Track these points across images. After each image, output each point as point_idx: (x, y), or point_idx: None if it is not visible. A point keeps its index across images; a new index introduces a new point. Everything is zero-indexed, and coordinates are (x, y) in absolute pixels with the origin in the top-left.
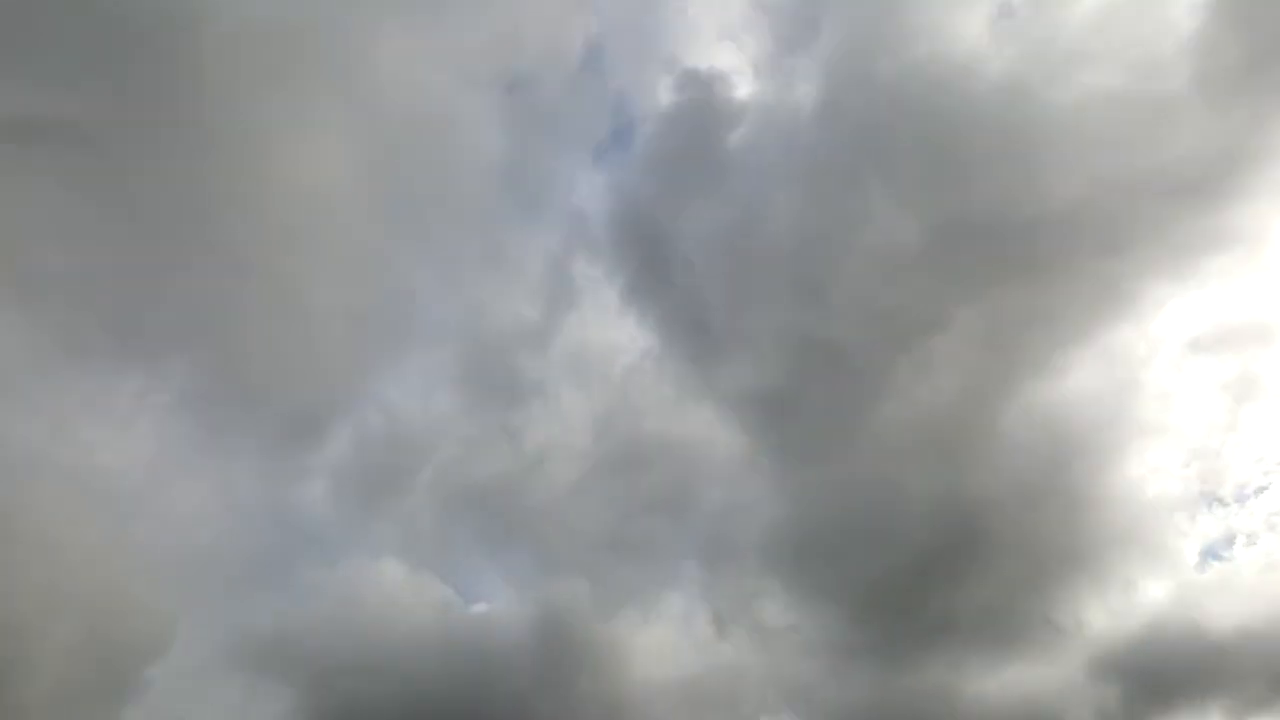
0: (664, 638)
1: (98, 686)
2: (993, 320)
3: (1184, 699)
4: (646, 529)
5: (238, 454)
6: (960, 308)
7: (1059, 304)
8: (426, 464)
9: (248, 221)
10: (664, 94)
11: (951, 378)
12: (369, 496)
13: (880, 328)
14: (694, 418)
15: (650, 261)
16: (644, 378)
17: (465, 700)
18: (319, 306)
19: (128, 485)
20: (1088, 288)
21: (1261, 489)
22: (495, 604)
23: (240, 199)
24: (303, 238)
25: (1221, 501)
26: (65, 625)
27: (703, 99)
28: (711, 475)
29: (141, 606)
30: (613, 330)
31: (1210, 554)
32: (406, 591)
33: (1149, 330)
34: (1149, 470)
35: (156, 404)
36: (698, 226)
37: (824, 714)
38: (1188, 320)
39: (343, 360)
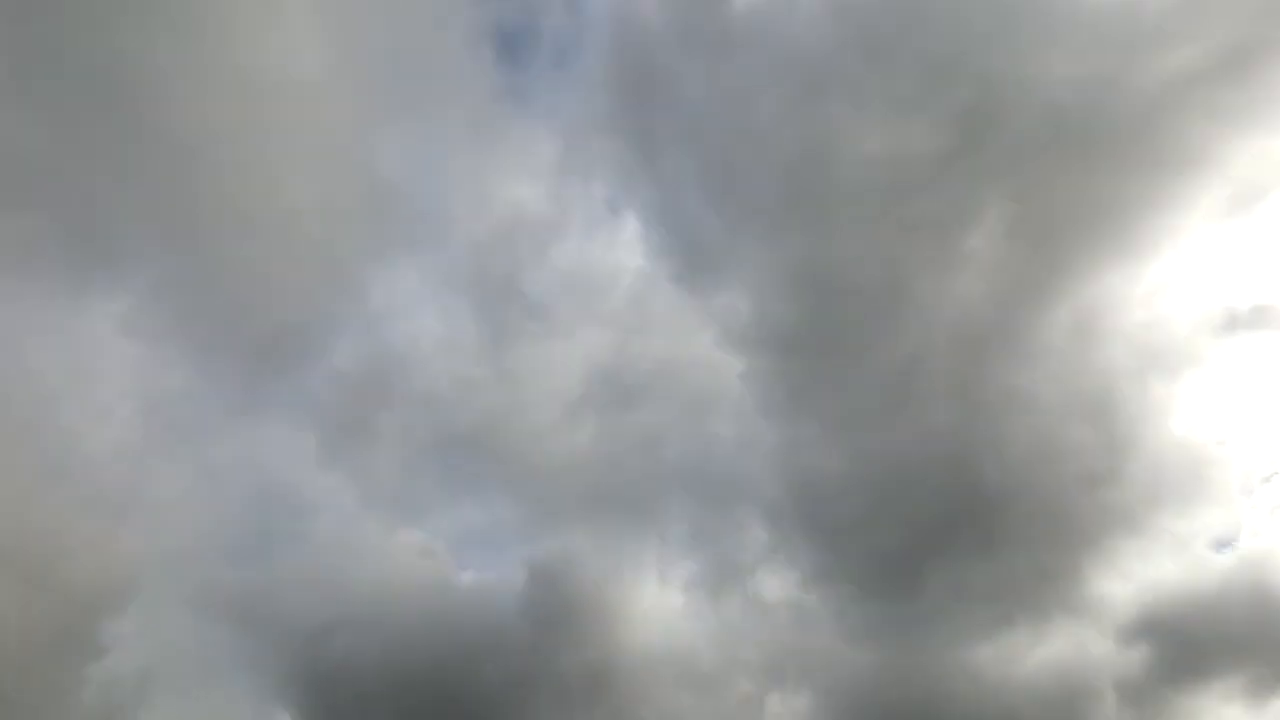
0: (659, 604)
1: (55, 642)
2: (1014, 234)
3: (1209, 669)
4: (643, 485)
5: (205, 380)
6: (982, 212)
7: (1086, 202)
8: (411, 401)
9: (207, 108)
10: None
11: (974, 301)
12: (349, 436)
13: (893, 248)
14: (695, 357)
15: (647, 145)
16: (644, 307)
17: (448, 666)
18: (294, 206)
19: (79, 415)
20: (1118, 180)
21: None
22: (482, 561)
23: (199, 83)
24: (272, 126)
25: None
26: (12, 572)
27: None
28: (715, 425)
29: (99, 554)
30: (612, 249)
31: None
32: (388, 543)
33: (1187, 232)
34: (1188, 414)
35: (113, 322)
36: (695, 103)
37: (830, 687)
38: (1232, 218)
39: (322, 269)
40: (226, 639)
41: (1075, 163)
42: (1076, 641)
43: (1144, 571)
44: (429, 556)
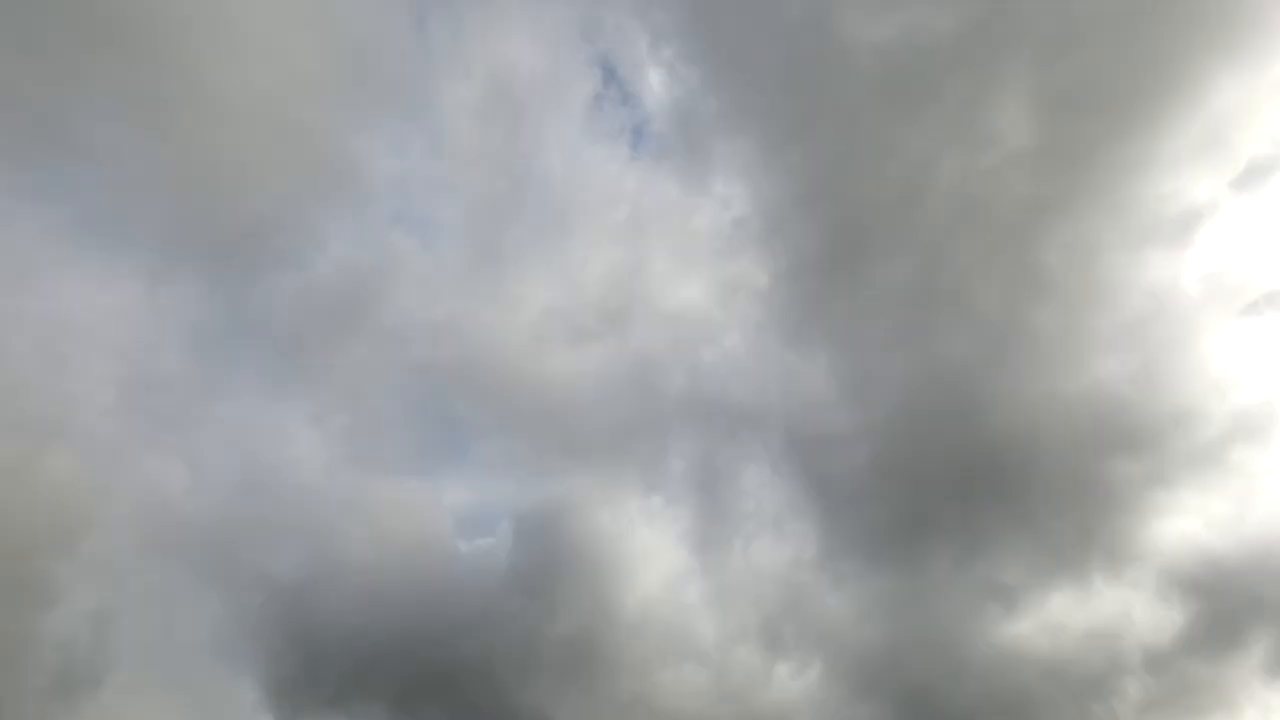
0: (656, 562)
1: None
2: (1042, 118)
3: (1240, 636)
4: (640, 422)
5: (163, 292)
6: (1004, 95)
7: (1126, 70)
8: (389, 325)
9: None
10: None
11: (998, 200)
12: (317, 353)
13: (908, 142)
14: (695, 265)
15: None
16: (642, 205)
17: (430, 627)
18: (260, 84)
19: (15, 329)
20: (1161, 41)
21: None
22: (466, 510)
23: None
24: None
25: None
26: None
27: None
28: (718, 350)
29: (39, 486)
30: (606, 134)
31: None
32: (366, 492)
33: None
34: (1251, 343)
35: (62, 221)
36: None
37: (840, 659)
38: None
39: (291, 157)
40: (189, 586)
41: (1110, 22)
42: (1106, 609)
43: (1185, 528)
44: (410, 508)
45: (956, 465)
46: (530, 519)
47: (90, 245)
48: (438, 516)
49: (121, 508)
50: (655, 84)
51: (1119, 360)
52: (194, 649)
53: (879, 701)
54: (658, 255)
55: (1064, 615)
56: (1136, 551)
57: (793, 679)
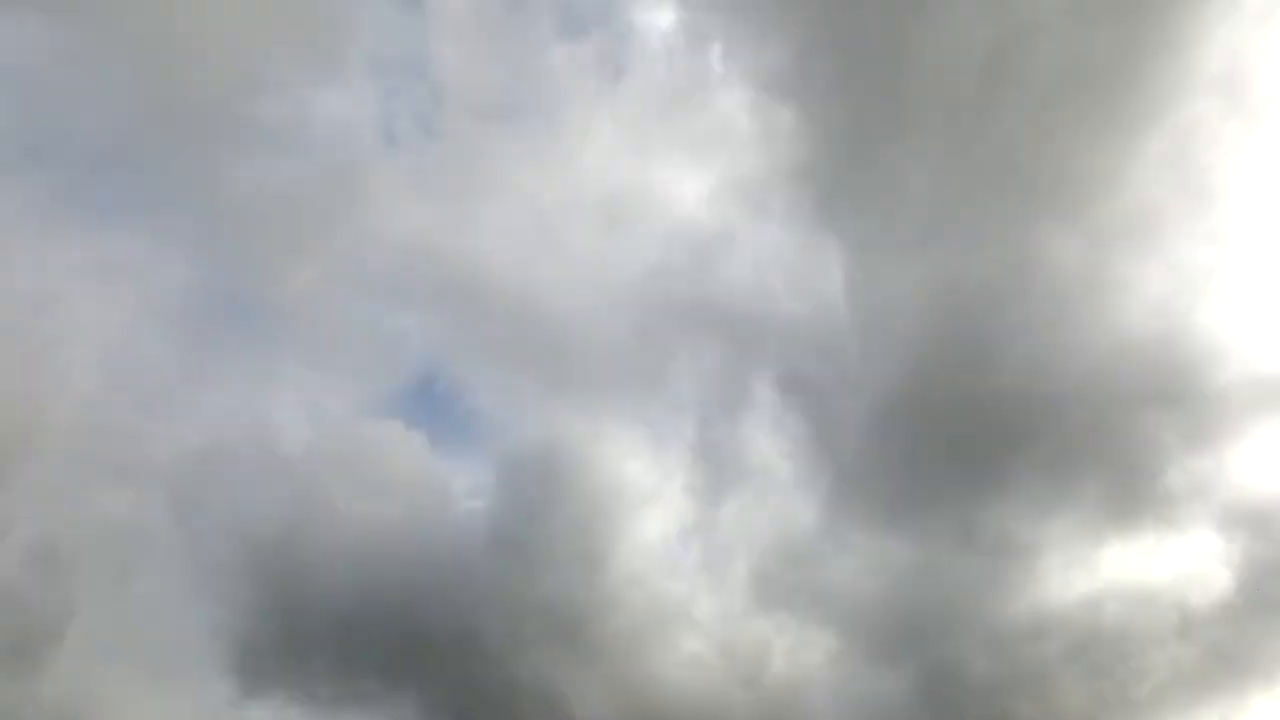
0: (652, 519)
1: None
2: None
3: None
4: (643, 347)
5: (104, 172)
6: None
7: None
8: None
9: None
10: None
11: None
12: (281, 273)
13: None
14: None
15: None
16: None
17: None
18: None
19: None
20: None
21: None
22: (448, 450)
23: None
24: None
25: None
26: None
27: None
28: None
29: None
30: None
31: None
32: (346, 429)
33: None
34: None
35: None
36: None
37: (851, 630)
38: None
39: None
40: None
41: None
42: (1148, 570)
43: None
44: (390, 452)
45: (992, 408)
46: (518, 462)
47: (27, 134)
48: (420, 460)
49: (63, 428)
50: None
51: (1177, 286)
52: (159, 604)
53: (898, 673)
54: (655, 147)
55: (1101, 578)
56: (1186, 506)
57: (802, 654)
